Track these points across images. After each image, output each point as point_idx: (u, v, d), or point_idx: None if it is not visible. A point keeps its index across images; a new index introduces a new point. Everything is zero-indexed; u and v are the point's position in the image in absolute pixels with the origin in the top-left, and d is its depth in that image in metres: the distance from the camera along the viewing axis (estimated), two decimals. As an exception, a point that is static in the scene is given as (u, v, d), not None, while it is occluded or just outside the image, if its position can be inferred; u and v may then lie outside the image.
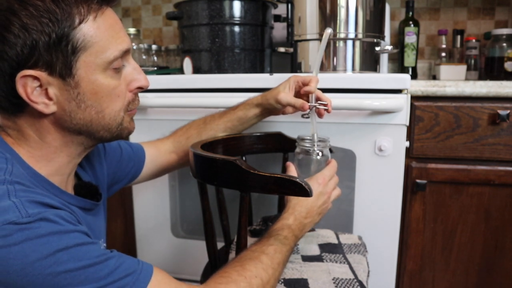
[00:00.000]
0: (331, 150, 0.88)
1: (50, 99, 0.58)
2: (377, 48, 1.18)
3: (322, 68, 1.16)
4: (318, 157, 0.85)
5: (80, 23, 0.56)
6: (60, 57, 0.56)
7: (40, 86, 0.57)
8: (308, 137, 0.85)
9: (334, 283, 0.75)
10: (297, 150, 0.86)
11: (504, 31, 1.38)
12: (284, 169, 0.89)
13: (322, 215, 0.82)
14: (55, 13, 0.55)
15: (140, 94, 0.70)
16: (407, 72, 1.54)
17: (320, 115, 0.86)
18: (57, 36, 0.55)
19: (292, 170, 0.84)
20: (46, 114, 0.59)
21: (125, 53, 0.63)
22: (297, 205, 0.78)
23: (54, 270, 0.48)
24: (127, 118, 0.67)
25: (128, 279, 0.53)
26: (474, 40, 1.52)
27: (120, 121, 0.65)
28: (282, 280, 0.76)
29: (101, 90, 0.61)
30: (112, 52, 0.60)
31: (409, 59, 1.54)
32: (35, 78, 0.56)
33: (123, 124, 0.66)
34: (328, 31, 0.94)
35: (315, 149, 0.84)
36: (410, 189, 1.12)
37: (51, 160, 0.63)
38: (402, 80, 1.01)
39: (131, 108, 0.67)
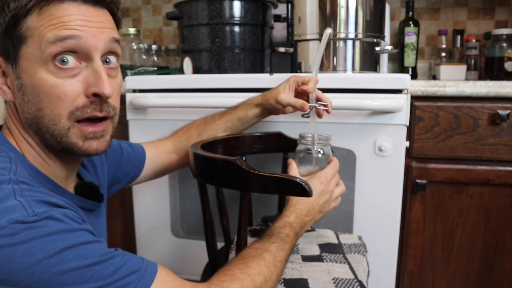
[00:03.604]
0: (331, 150, 0.88)
1: (8, 87, 0.61)
2: (377, 48, 1.18)
3: (322, 68, 1.16)
4: (319, 155, 0.85)
5: (26, 14, 0.57)
6: (10, 46, 0.58)
7: (3, 73, 0.61)
8: (310, 135, 0.85)
9: (334, 283, 0.75)
10: (299, 148, 0.86)
11: (504, 31, 1.38)
12: (284, 169, 0.89)
13: (323, 213, 0.82)
14: (8, 3, 0.57)
15: (140, 94, 0.69)
16: (407, 72, 1.55)
17: (319, 115, 0.86)
18: (8, 25, 0.57)
19: (294, 167, 0.84)
20: (12, 103, 0.62)
21: (76, 45, 0.57)
22: (298, 203, 0.78)
23: (61, 268, 0.48)
24: (77, 133, 0.60)
25: (134, 276, 0.53)
26: (474, 40, 1.52)
27: (64, 131, 0.60)
28: (282, 280, 0.76)
29: (38, 85, 0.58)
30: (47, 39, 0.56)
31: (409, 59, 1.54)
32: None
33: (70, 138, 0.60)
34: (328, 31, 0.94)
35: (316, 147, 0.84)
36: (410, 189, 1.12)
37: (35, 158, 0.64)
38: (402, 80, 1.01)
39: (79, 116, 0.59)
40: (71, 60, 0.58)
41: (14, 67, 0.59)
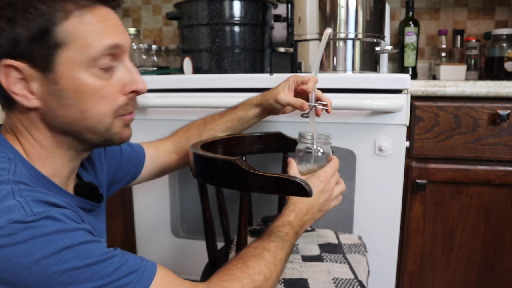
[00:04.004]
0: (331, 149, 0.88)
1: (32, 93, 0.59)
2: (377, 48, 1.18)
3: (322, 68, 1.16)
4: (319, 154, 0.85)
5: (63, 19, 0.56)
6: (42, 51, 0.56)
7: (23, 78, 0.58)
8: (310, 134, 0.85)
9: (334, 283, 0.75)
10: (298, 146, 0.86)
11: (504, 31, 1.38)
12: (284, 169, 0.89)
13: (323, 212, 0.82)
14: (39, 8, 0.55)
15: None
16: (407, 72, 1.55)
17: (317, 114, 0.86)
18: (39, 30, 0.55)
19: (293, 166, 0.84)
20: (32, 109, 0.60)
21: (115, 51, 0.60)
22: (298, 201, 0.78)
23: (59, 268, 0.48)
24: (119, 124, 0.64)
25: (133, 276, 0.53)
26: (474, 40, 1.52)
27: (108, 125, 0.63)
28: (282, 280, 0.76)
29: (84, 89, 0.59)
30: (96, 47, 0.58)
31: (409, 59, 1.54)
32: (18, 69, 0.57)
33: (113, 130, 0.64)
34: (328, 31, 0.94)
35: (316, 146, 0.84)
36: (410, 189, 1.12)
37: (45, 161, 0.63)
38: (402, 80, 1.01)
39: (122, 113, 0.64)
40: (111, 63, 0.60)
41: (45, 73, 0.57)
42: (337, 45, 1.15)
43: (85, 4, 0.58)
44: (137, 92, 0.64)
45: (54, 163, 0.64)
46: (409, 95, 1.03)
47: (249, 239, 0.78)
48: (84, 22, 0.58)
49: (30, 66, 0.57)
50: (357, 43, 1.14)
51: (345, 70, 1.15)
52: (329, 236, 0.96)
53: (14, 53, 0.56)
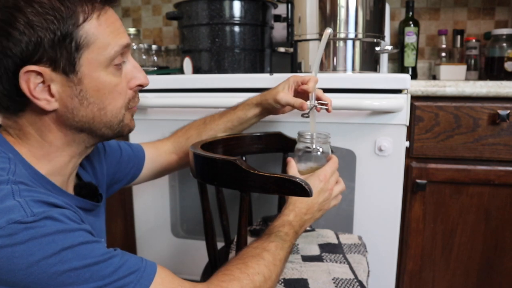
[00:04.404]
0: (331, 149, 0.88)
1: (52, 96, 0.59)
2: (377, 48, 1.18)
3: (322, 68, 1.16)
4: (319, 153, 0.85)
5: (84, 21, 0.57)
6: (64, 54, 0.57)
7: (43, 82, 0.58)
8: (309, 133, 0.85)
9: (334, 283, 0.75)
10: (298, 146, 0.86)
11: (504, 31, 1.38)
12: (284, 169, 0.89)
13: (323, 211, 0.82)
14: (60, 11, 0.55)
15: (140, 94, 0.71)
16: (407, 72, 1.55)
17: (316, 109, 0.86)
18: (61, 33, 0.56)
19: (293, 166, 0.84)
20: (48, 111, 0.60)
21: (125, 50, 0.64)
22: (297, 201, 0.78)
23: (59, 268, 0.48)
24: (128, 116, 0.68)
25: (132, 277, 0.53)
26: (474, 40, 1.52)
27: (122, 118, 0.66)
28: (282, 280, 0.76)
29: (104, 87, 0.62)
30: (113, 47, 0.61)
31: (409, 59, 1.54)
32: (39, 73, 0.57)
33: (124, 121, 0.67)
34: (328, 31, 0.94)
35: (315, 145, 0.84)
36: (410, 189, 1.12)
37: (52, 160, 0.64)
38: (402, 80, 1.01)
39: (132, 105, 0.68)
40: (121, 60, 0.64)
41: (68, 75, 0.58)
42: (337, 45, 1.15)
43: (100, 6, 0.60)
44: (141, 86, 0.68)
45: (60, 161, 0.65)
46: (409, 95, 1.03)
47: (249, 239, 0.78)
48: (100, 24, 0.59)
49: (52, 70, 0.57)
50: (357, 43, 1.14)
51: (345, 70, 1.15)
52: (329, 236, 0.96)
53: (35, 58, 0.56)
